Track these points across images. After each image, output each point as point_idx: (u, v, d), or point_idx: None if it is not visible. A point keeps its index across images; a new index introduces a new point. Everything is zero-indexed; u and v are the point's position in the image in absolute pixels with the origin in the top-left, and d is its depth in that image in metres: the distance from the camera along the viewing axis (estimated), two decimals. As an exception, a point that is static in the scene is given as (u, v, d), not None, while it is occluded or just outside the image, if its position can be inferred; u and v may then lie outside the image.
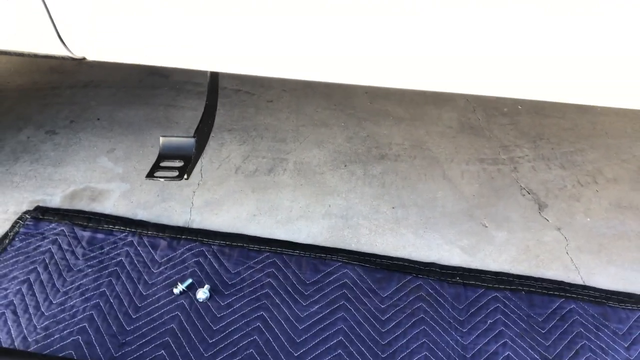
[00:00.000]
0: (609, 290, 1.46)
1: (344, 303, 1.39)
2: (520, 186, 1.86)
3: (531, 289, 1.44)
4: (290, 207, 1.74)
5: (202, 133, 1.38)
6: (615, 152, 2.07)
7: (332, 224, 1.68)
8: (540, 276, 1.50)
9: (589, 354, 1.28)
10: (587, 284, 1.49)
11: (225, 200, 1.75)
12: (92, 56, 1.24)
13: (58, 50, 1.21)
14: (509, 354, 1.28)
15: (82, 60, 1.25)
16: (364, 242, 1.62)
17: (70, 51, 1.21)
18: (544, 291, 1.43)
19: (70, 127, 2.08)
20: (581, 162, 2.00)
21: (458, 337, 1.32)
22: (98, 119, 2.14)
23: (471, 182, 1.88)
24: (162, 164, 1.30)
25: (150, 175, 1.27)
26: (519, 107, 2.32)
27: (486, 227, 1.69)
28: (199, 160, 1.93)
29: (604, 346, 1.30)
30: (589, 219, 1.73)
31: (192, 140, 1.31)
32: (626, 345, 1.31)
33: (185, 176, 1.27)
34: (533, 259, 1.57)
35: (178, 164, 1.30)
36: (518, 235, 1.65)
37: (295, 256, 1.52)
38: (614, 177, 1.93)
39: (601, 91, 1.08)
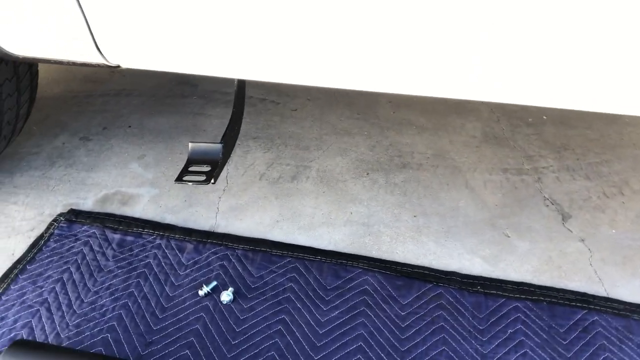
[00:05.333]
0: (633, 303, 1.43)
1: (364, 309, 1.41)
2: (544, 197, 1.85)
3: (553, 300, 1.43)
4: (312, 214, 1.77)
5: (229, 139, 1.43)
6: (643, 163, 2.04)
7: (353, 230, 1.71)
8: (563, 287, 1.49)
9: (612, 366, 1.27)
10: (611, 296, 1.47)
11: (249, 206, 1.79)
12: (125, 64, 1.30)
13: (95, 59, 1.28)
14: (529, 364, 1.28)
15: (117, 68, 1.32)
16: (385, 250, 1.64)
17: (106, 59, 1.27)
18: (566, 302, 1.42)
19: (103, 134, 2.17)
20: (607, 173, 1.98)
21: (478, 346, 1.32)
22: (129, 127, 2.22)
23: (494, 192, 1.88)
24: (191, 169, 1.35)
25: (179, 179, 1.32)
26: (544, 117, 2.31)
27: (508, 237, 1.68)
28: (225, 166, 1.99)
29: (627, 359, 1.28)
30: (614, 231, 1.70)
31: (219, 146, 1.36)
32: (651, 359, 1.29)
33: (213, 180, 1.31)
34: (555, 270, 1.56)
35: (205, 168, 1.35)
36: (540, 245, 1.64)
37: (317, 262, 1.55)
38: (641, 189, 1.90)
39: (627, 99, 1.07)
